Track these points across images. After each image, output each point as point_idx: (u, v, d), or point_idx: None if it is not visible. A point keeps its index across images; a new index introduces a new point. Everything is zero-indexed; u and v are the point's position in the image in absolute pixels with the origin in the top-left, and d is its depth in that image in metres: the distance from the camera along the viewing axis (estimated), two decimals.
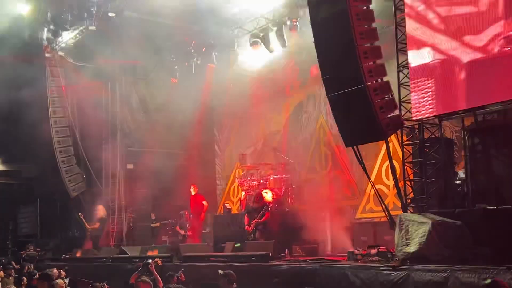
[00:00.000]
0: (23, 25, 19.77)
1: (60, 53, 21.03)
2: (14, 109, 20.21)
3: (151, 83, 21.76)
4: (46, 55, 21.14)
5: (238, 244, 14.24)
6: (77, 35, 19.80)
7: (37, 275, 11.08)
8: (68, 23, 19.12)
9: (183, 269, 11.25)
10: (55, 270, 11.79)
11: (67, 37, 20.19)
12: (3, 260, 20.78)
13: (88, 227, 19.98)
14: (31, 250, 20.81)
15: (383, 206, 11.75)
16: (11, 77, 19.02)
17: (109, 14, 18.11)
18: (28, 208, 24.70)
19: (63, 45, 20.65)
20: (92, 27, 18.87)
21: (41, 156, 22.28)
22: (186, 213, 18.00)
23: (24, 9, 19.60)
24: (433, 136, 11.36)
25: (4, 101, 18.91)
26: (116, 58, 20.45)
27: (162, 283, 10.76)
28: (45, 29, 20.17)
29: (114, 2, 17.74)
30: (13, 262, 16.54)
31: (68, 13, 18.91)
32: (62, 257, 19.50)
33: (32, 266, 15.00)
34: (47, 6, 19.36)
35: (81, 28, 19.42)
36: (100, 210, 20.35)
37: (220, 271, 8.29)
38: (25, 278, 12.31)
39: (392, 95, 11.10)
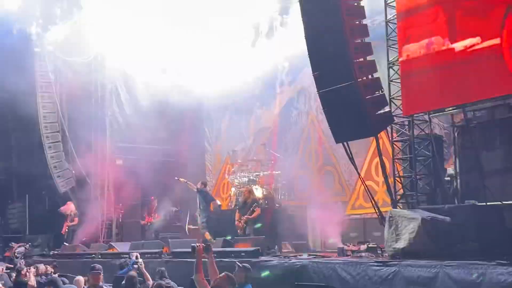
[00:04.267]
0: (11, 19, 19.65)
1: (50, 47, 20.90)
2: (2, 104, 20.07)
3: (140, 78, 21.65)
4: (35, 50, 21.01)
5: (229, 237, 14.23)
6: (67, 30, 19.69)
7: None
8: (58, 17, 19.00)
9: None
10: (42, 266, 11.75)
11: (56, 31, 20.06)
12: None
13: (69, 223, 20.04)
14: (19, 247, 20.65)
15: (373, 202, 11.79)
16: None
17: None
18: (16, 204, 24.54)
19: (52, 39, 20.52)
20: (81, 22, 18.79)
21: (30, 152, 22.15)
22: (152, 198, 17.96)
23: (13, 4, 19.47)
24: (422, 132, 11.40)
25: None
26: (106, 53, 20.35)
27: (151, 280, 10.76)
28: (34, 24, 20.04)
29: None
30: (6, 265, 16.37)
31: (57, 7, 18.80)
32: (51, 252, 19.41)
33: (23, 262, 14.93)
34: (36, 0, 19.23)
35: (70, 22, 19.32)
36: (72, 206, 20.37)
37: (238, 263, 8.17)
38: (13, 274, 12.24)
39: (382, 92, 11.13)
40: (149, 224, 19.62)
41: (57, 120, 21.46)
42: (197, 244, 7.30)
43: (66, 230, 20.16)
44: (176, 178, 18.01)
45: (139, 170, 19.77)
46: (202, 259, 7.19)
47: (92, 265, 9.30)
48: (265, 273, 11.82)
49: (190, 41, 18.56)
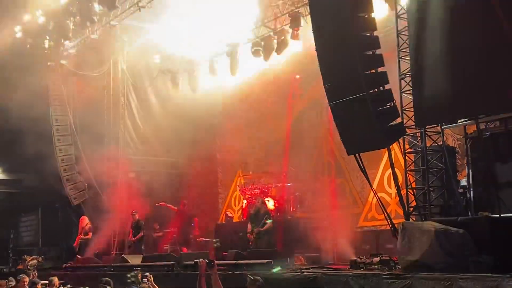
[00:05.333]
0: (25, 34, 19.87)
1: (62, 61, 21.08)
2: (15, 118, 20.23)
3: (152, 92, 21.79)
4: (48, 63, 21.20)
5: (277, 268, 12.48)
6: (80, 44, 19.87)
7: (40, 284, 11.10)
8: (70, 31, 19.17)
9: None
10: (56, 279, 11.78)
11: (70, 45, 20.24)
12: (4, 269, 20.79)
13: (83, 237, 20.08)
14: (31, 260, 20.73)
15: (386, 214, 11.71)
16: (12, 86, 19.08)
17: (111, 23, 18.19)
18: (29, 217, 24.66)
19: (65, 53, 20.71)
20: (94, 36, 18.95)
21: (42, 165, 22.28)
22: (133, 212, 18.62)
23: (26, 18, 19.70)
24: (435, 144, 11.35)
25: (5, 110, 18.96)
26: (118, 67, 20.50)
27: None
28: (47, 38, 20.23)
29: (116, 11, 17.79)
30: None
31: (70, 21, 18.96)
32: (64, 265, 19.45)
33: (36, 274, 14.97)
34: (49, 15, 19.42)
35: (83, 36, 19.49)
36: (87, 220, 20.43)
37: (250, 276, 8.15)
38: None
39: (394, 103, 11.10)
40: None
41: (69, 133, 21.59)
42: (200, 260, 7.28)
43: (79, 243, 20.21)
44: (156, 204, 18.88)
45: (151, 183, 19.82)
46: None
47: (100, 279, 9.31)
48: (277, 269, 11.74)
49: (201, 52, 18.67)
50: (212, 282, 7.28)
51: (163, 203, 18.73)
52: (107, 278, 9.35)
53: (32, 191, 24.28)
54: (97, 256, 19.23)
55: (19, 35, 19.95)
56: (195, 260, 7.30)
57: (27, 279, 12.04)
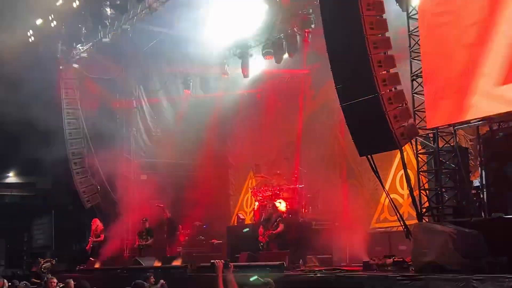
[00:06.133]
0: (37, 38, 20.02)
1: (75, 65, 21.22)
2: (28, 121, 20.37)
3: (164, 95, 21.88)
4: (61, 67, 21.34)
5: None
6: (91, 48, 19.99)
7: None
8: (82, 35, 19.28)
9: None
10: (72, 282, 11.85)
11: (82, 49, 20.37)
12: (18, 272, 20.94)
13: (95, 239, 20.18)
14: (45, 262, 20.86)
15: (398, 215, 11.68)
16: (25, 90, 19.21)
17: (123, 27, 18.28)
18: (42, 220, 24.84)
19: (77, 57, 20.84)
20: (106, 40, 19.06)
21: (55, 168, 22.43)
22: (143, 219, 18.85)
23: (39, 22, 19.85)
24: (448, 144, 11.30)
25: (18, 114, 19.10)
26: (130, 70, 20.59)
27: None
28: (60, 42, 20.37)
29: (128, 14, 17.87)
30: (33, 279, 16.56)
31: (82, 25, 19.07)
32: (77, 268, 19.56)
33: (50, 275, 15.08)
34: (61, 19, 19.56)
35: (95, 40, 19.61)
36: (99, 222, 20.53)
37: (260, 279, 8.18)
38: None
39: (406, 104, 11.07)
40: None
41: (82, 136, 21.72)
42: (217, 261, 7.31)
43: (91, 245, 20.31)
44: (156, 205, 19.19)
45: (163, 185, 19.89)
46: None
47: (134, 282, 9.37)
48: (254, 278, 11.73)
49: (213, 55, 18.69)
50: (228, 283, 7.31)
51: (162, 205, 18.97)
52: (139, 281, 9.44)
53: (45, 194, 24.50)
54: (110, 258, 19.32)
55: (32, 39, 20.10)
56: (211, 261, 7.33)
57: (55, 280, 12.11)
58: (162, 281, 11.59)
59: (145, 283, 9.35)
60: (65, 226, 23.46)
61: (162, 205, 19.17)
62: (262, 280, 8.14)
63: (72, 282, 11.76)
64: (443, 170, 11.19)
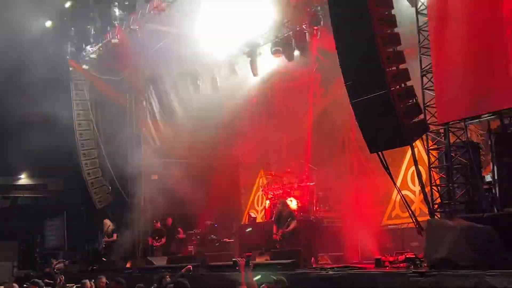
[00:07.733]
0: (47, 39, 20.11)
1: (84, 66, 21.30)
2: (39, 123, 20.49)
3: (174, 94, 21.89)
4: (70, 68, 21.43)
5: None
6: (101, 48, 20.05)
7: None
8: (92, 36, 19.34)
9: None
10: (88, 283, 11.91)
11: (91, 50, 20.44)
12: (31, 273, 21.02)
13: (108, 239, 20.25)
14: (58, 263, 20.97)
15: (410, 212, 11.64)
16: (36, 93, 19.32)
17: (132, 27, 18.32)
18: (55, 221, 24.94)
19: (87, 58, 20.92)
20: (115, 40, 19.11)
21: (67, 169, 22.52)
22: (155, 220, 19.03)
23: (48, 24, 19.94)
24: (459, 140, 11.23)
25: (29, 116, 19.20)
26: (139, 71, 20.62)
27: None
28: (69, 43, 20.46)
29: (136, 15, 17.91)
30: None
31: (91, 26, 19.14)
32: (90, 268, 19.63)
33: (63, 277, 15.16)
34: (71, 20, 19.65)
35: (104, 41, 19.66)
36: (109, 222, 20.59)
37: (273, 276, 8.21)
38: None
39: (416, 100, 11.03)
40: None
41: (92, 137, 21.82)
42: (239, 259, 7.43)
43: (104, 246, 20.39)
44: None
45: (174, 185, 19.91)
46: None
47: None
48: (257, 277, 11.75)
49: (222, 53, 18.69)
50: (249, 279, 7.45)
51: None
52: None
53: (56, 195, 24.60)
54: (122, 258, 19.39)
55: (41, 40, 20.20)
56: (233, 259, 7.48)
57: (104, 279, 12.20)
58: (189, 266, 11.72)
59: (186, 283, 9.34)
60: (77, 227, 23.56)
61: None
62: (274, 278, 8.16)
63: (88, 282, 11.84)
64: (454, 166, 11.12)
